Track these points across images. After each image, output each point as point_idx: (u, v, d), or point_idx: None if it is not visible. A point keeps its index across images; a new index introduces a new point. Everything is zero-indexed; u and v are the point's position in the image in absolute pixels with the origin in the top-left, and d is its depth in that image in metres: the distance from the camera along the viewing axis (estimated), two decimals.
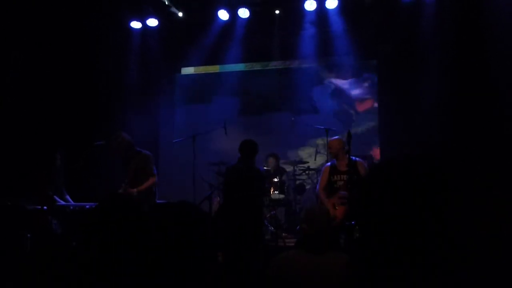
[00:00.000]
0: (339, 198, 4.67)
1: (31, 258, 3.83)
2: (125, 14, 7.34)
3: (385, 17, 7.03)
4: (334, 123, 7.47)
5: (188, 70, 8.53)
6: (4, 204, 4.20)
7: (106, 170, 5.81)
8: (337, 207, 4.64)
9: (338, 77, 7.93)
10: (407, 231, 0.53)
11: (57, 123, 6.47)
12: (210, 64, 8.28)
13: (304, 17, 7.36)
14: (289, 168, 7.09)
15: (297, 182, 6.90)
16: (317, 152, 7.33)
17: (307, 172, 7.01)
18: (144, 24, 7.47)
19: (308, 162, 7.12)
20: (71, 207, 4.79)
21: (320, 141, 7.37)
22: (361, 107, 7.81)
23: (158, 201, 5.01)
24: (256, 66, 8.26)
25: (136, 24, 7.48)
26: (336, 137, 5.08)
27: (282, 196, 6.39)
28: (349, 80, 7.86)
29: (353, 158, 4.82)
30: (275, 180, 6.38)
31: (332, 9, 7.12)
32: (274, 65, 8.18)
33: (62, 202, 4.91)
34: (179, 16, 7.51)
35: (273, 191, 6.30)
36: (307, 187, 7.19)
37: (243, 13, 7.25)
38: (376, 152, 7.50)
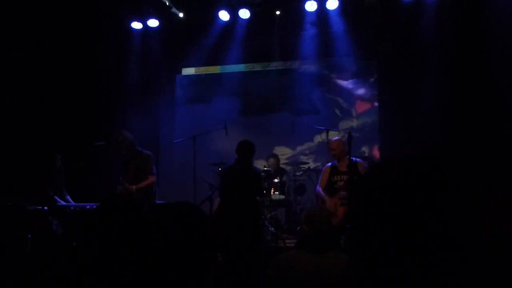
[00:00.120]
0: (340, 199, 4.67)
1: (31, 259, 3.83)
2: (126, 14, 7.34)
3: (385, 18, 7.03)
4: (335, 123, 7.48)
5: (188, 71, 8.53)
6: (4, 205, 4.20)
7: (106, 170, 5.81)
8: (337, 208, 4.64)
9: (338, 77, 7.93)
10: (407, 231, 0.53)
11: (57, 123, 6.46)
12: (211, 64, 8.29)
13: (305, 18, 7.36)
14: (289, 169, 7.09)
15: (298, 182, 6.89)
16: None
17: (307, 172, 7.01)
18: (144, 24, 7.47)
19: (308, 163, 7.12)
20: (72, 208, 4.79)
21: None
22: (361, 108, 7.81)
23: (158, 201, 5.01)
24: (257, 67, 8.26)
25: (136, 25, 7.48)
26: (337, 138, 5.09)
27: (282, 196, 6.38)
28: (349, 81, 7.86)
29: (354, 159, 4.83)
30: (276, 180, 6.38)
31: (332, 10, 7.12)
32: (274, 65, 8.18)
33: (63, 203, 4.91)
34: (179, 17, 7.51)
35: (274, 191, 6.30)
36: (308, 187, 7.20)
37: (244, 13, 7.25)
38: (376, 152, 7.50)
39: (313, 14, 7.22)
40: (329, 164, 5.09)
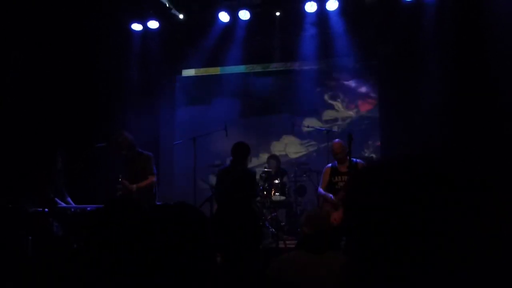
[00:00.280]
0: (340, 200, 4.68)
1: (32, 261, 3.83)
2: (126, 16, 7.35)
3: (385, 18, 7.03)
4: (335, 124, 7.48)
5: (188, 72, 8.54)
6: (5, 206, 4.20)
7: (107, 171, 5.81)
8: (338, 208, 4.64)
9: (338, 78, 7.93)
10: (407, 231, 0.53)
11: (57, 124, 6.47)
12: (211, 65, 8.29)
13: (305, 19, 7.36)
14: (290, 170, 7.09)
15: (298, 184, 6.89)
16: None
17: (307, 173, 7.01)
18: (145, 26, 7.47)
19: (308, 164, 7.12)
20: (72, 209, 4.79)
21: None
22: (361, 108, 7.81)
23: (158, 202, 5.01)
24: (257, 68, 8.27)
25: (137, 26, 7.49)
26: (338, 140, 5.09)
27: (283, 197, 6.38)
28: (349, 81, 7.86)
29: (354, 159, 4.83)
30: (276, 181, 6.37)
31: (332, 11, 7.12)
32: (274, 66, 8.18)
33: (63, 204, 4.91)
34: (179, 18, 7.52)
35: (274, 192, 6.29)
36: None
37: (244, 15, 7.26)
38: (376, 153, 7.50)
39: (313, 15, 7.22)
40: (329, 165, 5.10)
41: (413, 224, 0.52)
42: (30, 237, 4.04)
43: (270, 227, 5.99)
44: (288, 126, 7.43)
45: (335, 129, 6.64)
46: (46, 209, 4.44)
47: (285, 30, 7.59)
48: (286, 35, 7.67)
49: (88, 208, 4.59)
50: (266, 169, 6.53)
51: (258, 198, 6.01)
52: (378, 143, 7.52)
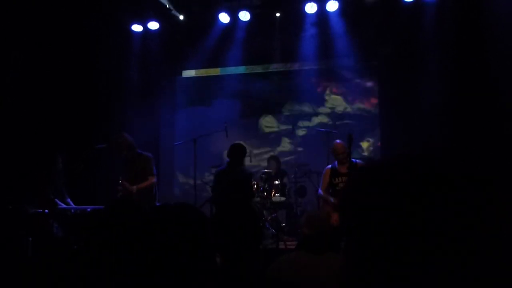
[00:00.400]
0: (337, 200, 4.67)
1: (32, 261, 3.83)
2: (126, 17, 7.35)
3: (386, 18, 7.03)
4: (335, 125, 7.48)
5: (189, 73, 8.54)
6: (5, 207, 4.20)
7: (107, 173, 5.82)
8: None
9: (339, 79, 7.93)
10: (407, 231, 0.53)
11: (58, 125, 6.47)
12: (211, 66, 8.30)
13: (305, 20, 7.37)
14: (290, 171, 7.09)
15: (298, 184, 6.89)
16: None
17: (308, 174, 7.00)
18: (145, 27, 7.48)
19: (308, 164, 7.11)
20: (72, 211, 4.79)
21: None
22: (362, 109, 7.81)
23: (158, 203, 5.01)
24: (257, 69, 8.27)
25: (137, 27, 7.49)
26: (340, 141, 5.09)
27: (283, 198, 6.38)
28: (350, 82, 7.86)
29: (354, 160, 4.83)
30: (276, 182, 6.37)
31: (332, 12, 7.12)
32: (274, 67, 8.19)
33: (63, 205, 4.91)
34: (180, 19, 7.53)
35: (274, 193, 6.29)
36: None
37: (244, 16, 7.26)
38: (376, 153, 7.50)
39: (313, 15, 7.23)
40: (329, 166, 5.10)
41: (413, 224, 0.52)
42: (30, 238, 4.04)
43: (270, 228, 5.99)
44: (289, 127, 7.43)
45: (335, 129, 6.62)
46: (46, 210, 4.44)
47: (285, 31, 7.60)
48: (286, 36, 7.67)
49: (88, 209, 4.58)
50: (266, 170, 6.52)
51: (258, 199, 6.01)
52: (378, 143, 7.52)
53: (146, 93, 7.85)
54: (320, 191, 5.06)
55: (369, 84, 7.79)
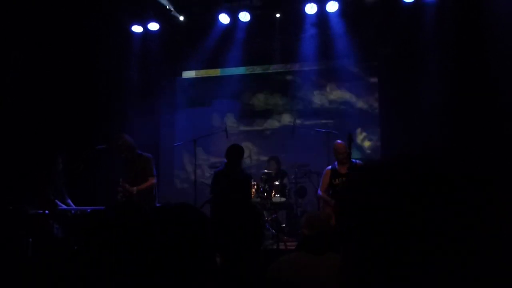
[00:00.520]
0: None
1: (32, 262, 3.83)
2: (126, 17, 7.35)
3: (386, 19, 7.03)
4: (335, 126, 7.47)
5: (189, 74, 8.54)
6: (5, 208, 4.20)
7: (107, 173, 5.82)
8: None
9: (339, 79, 7.93)
10: (407, 231, 0.53)
11: (58, 126, 6.47)
12: (211, 67, 8.30)
13: (305, 20, 7.37)
14: (290, 171, 7.08)
15: (298, 185, 6.88)
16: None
17: (308, 175, 7.00)
18: (145, 28, 7.48)
19: (308, 165, 7.11)
20: (73, 211, 4.80)
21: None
22: (362, 109, 7.80)
23: (158, 204, 5.01)
24: (257, 69, 8.27)
25: (137, 28, 7.49)
26: (340, 141, 5.09)
27: (283, 199, 6.37)
28: (350, 83, 7.86)
29: (354, 160, 4.83)
30: (276, 183, 6.36)
31: (332, 12, 7.13)
32: (275, 68, 8.19)
33: (64, 206, 4.92)
34: (180, 20, 7.53)
35: (274, 194, 6.28)
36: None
37: (244, 16, 7.26)
38: (376, 153, 7.50)
39: (313, 16, 7.23)
40: (329, 167, 5.10)
41: (413, 224, 0.52)
42: (30, 239, 4.04)
43: (270, 228, 5.99)
44: (289, 127, 7.43)
45: (335, 130, 6.61)
46: (47, 211, 4.44)
47: (285, 31, 7.60)
48: (286, 37, 7.68)
49: (88, 210, 4.59)
50: (266, 171, 6.52)
51: (258, 200, 6.01)
52: (378, 143, 7.52)
53: (146, 94, 7.85)
54: (319, 191, 5.06)
55: (369, 84, 7.79)
